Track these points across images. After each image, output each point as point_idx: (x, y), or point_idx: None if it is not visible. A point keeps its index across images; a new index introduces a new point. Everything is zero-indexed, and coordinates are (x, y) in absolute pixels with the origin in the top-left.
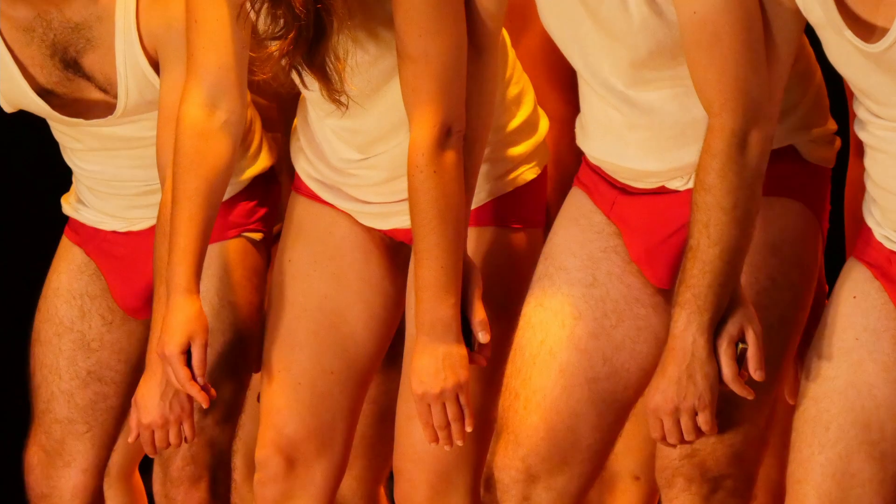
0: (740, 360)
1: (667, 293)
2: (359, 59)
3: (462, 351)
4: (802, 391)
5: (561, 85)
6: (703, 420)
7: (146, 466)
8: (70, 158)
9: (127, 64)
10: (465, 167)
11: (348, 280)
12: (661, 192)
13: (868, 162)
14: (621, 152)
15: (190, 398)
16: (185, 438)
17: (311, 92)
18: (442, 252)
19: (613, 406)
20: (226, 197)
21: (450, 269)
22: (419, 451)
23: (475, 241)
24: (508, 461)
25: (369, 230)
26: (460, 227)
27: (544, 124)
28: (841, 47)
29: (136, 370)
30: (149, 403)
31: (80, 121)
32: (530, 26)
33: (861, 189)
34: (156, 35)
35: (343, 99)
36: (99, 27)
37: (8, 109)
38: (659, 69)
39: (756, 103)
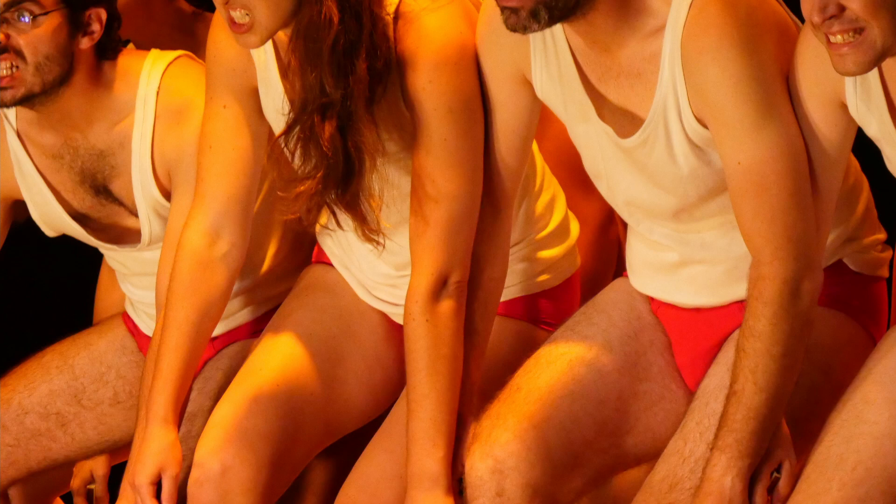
0: (771, 486)
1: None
2: (394, 195)
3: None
4: (833, 429)
5: (582, 185)
6: None
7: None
8: (123, 283)
9: (143, 192)
10: (477, 323)
11: (358, 335)
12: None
13: None
14: (674, 289)
15: None
16: None
17: (347, 232)
18: (431, 403)
19: (612, 439)
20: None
21: (439, 421)
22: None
23: (500, 330)
24: (489, 448)
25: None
26: (454, 378)
27: (575, 228)
28: None
29: (100, 449)
30: None
31: (115, 247)
32: (548, 129)
33: None
34: (169, 160)
35: (379, 238)
36: (121, 153)
37: (50, 234)
38: (707, 207)
39: (807, 250)
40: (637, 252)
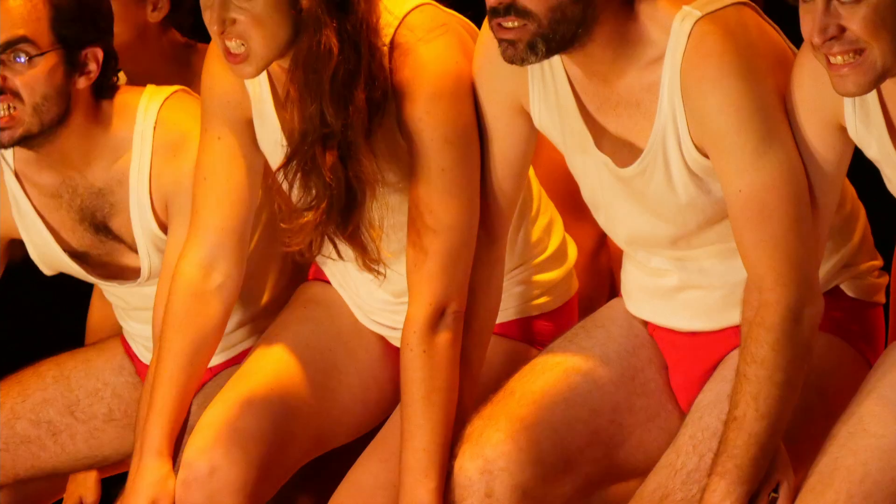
0: None
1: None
2: (393, 224)
3: None
4: (838, 440)
5: (574, 210)
6: None
7: None
8: (121, 317)
9: (142, 227)
10: (471, 352)
11: (354, 351)
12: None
13: None
14: (670, 314)
15: None
16: None
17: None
18: (425, 434)
19: (605, 450)
20: None
21: (432, 452)
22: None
23: (496, 350)
24: (479, 449)
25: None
26: (448, 409)
27: (573, 251)
28: None
29: (89, 463)
30: None
31: (114, 283)
32: (539, 155)
33: None
34: (166, 193)
35: (380, 268)
36: (120, 190)
37: (47, 272)
38: (705, 235)
39: (808, 277)
40: (633, 277)
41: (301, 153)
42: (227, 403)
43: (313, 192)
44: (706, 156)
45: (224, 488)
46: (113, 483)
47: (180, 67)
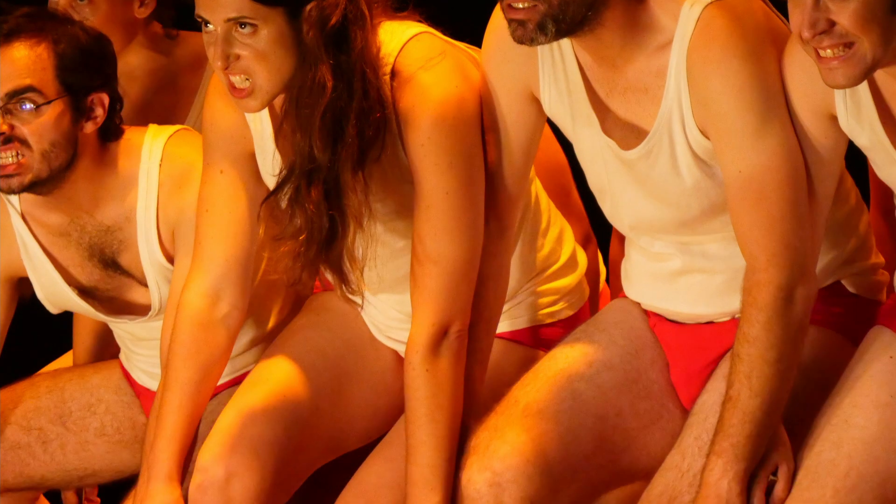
0: (769, 489)
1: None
2: (378, 252)
3: None
4: (821, 434)
5: (561, 206)
6: None
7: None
8: (123, 342)
9: (151, 262)
10: (481, 341)
11: (366, 360)
12: (705, 323)
13: None
14: (671, 297)
15: None
16: None
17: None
18: (428, 451)
19: (610, 455)
20: None
21: (437, 467)
22: (371, 489)
23: (502, 353)
24: (487, 462)
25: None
26: (452, 425)
27: (583, 259)
28: (890, 167)
29: (78, 476)
30: None
31: (125, 320)
32: None
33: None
34: (172, 224)
35: (357, 299)
36: (128, 227)
37: (53, 311)
38: (710, 223)
39: (802, 258)
40: (636, 263)
41: (289, 183)
42: (240, 410)
43: (297, 222)
44: (709, 138)
45: (239, 495)
46: (111, 492)
47: (163, 59)
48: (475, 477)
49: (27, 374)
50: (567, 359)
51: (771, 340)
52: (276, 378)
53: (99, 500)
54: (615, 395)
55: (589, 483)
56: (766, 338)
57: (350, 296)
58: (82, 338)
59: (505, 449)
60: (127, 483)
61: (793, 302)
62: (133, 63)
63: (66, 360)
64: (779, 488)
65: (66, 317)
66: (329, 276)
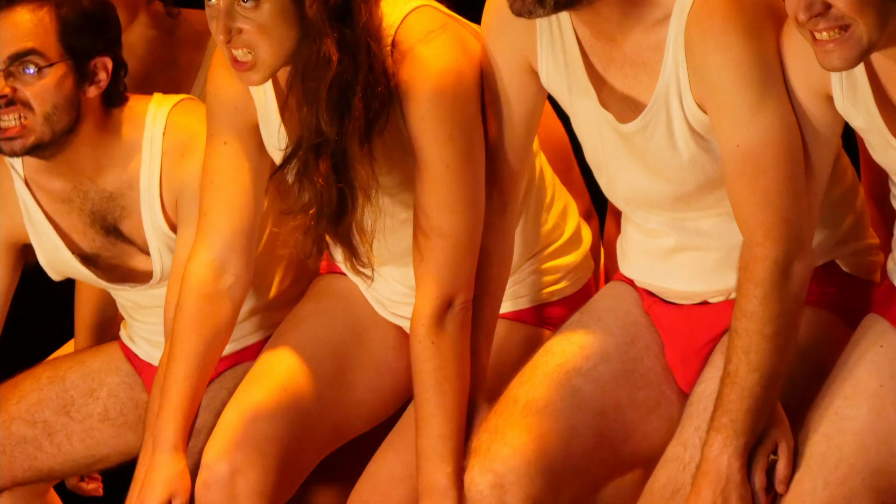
0: (770, 469)
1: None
2: (394, 223)
3: None
4: (812, 426)
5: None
6: None
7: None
8: (125, 310)
9: (154, 229)
10: (486, 314)
11: (368, 343)
12: (700, 304)
13: None
14: (666, 275)
15: None
16: None
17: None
18: (439, 422)
19: (611, 448)
20: None
21: (447, 438)
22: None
23: (507, 334)
24: (489, 464)
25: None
26: (460, 396)
27: (587, 235)
28: (885, 150)
29: (86, 464)
30: None
31: (126, 287)
32: None
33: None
34: (176, 193)
35: (367, 272)
36: (130, 194)
37: (55, 278)
38: (705, 199)
39: (798, 233)
40: (631, 240)
41: (295, 159)
42: (243, 407)
43: (305, 196)
44: (707, 112)
45: (244, 492)
46: (112, 477)
47: (165, 37)
48: (477, 479)
49: (30, 356)
50: (564, 353)
51: (768, 315)
52: (277, 372)
53: (99, 476)
54: (613, 387)
55: (590, 478)
56: (763, 313)
57: (361, 269)
58: (83, 315)
59: (506, 451)
60: (131, 465)
61: (789, 276)
62: (135, 41)
63: (67, 349)
64: (781, 466)
65: (69, 310)
66: (337, 254)
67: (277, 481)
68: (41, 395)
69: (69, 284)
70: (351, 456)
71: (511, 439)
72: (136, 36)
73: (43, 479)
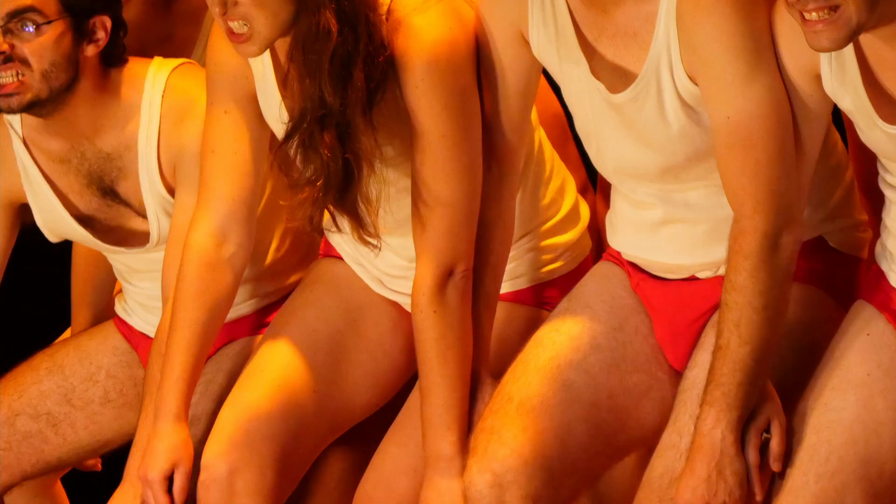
0: (763, 448)
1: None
2: (396, 192)
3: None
4: (801, 419)
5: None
6: None
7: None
8: (121, 274)
9: (151, 192)
10: (488, 286)
11: (363, 328)
12: (688, 279)
13: (886, 214)
14: (653, 247)
15: None
16: None
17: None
18: (442, 390)
19: (606, 440)
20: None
21: (451, 406)
22: (388, 475)
23: (507, 316)
24: (487, 464)
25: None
26: (463, 364)
27: (585, 211)
28: (872, 130)
29: (92, 450)
30: None
31: (122, 249)
32: None
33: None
34: (174, 157)
35: (376, 242)
36: (127, 156)
37: (52, 239)
38: (693, 170)
39: (787, 205)
40: (620, 212)
41: (300, 131)
42: (239, 406)
43: (311, 168)
44: (697, 84)
45: (243, 491)
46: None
47: (161, 11)
48: (476, 479)
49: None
50: (555, 345)
51: (758, 287)
52: (272, 369)
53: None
54: (605, 377)
55: (588, 470)
56: (752, 285)
57: (368, 238)
58: (79, 291)
59: (503, 451)
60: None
61: (779, 248)
62: (131, 16)
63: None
64: (774, 443)
65: (65, 296)
66: (344, 225)
67: (276, 479)
68: (41, 387)
69: (66, 271)
70: (352, 449)
71: (508, 439)
72: (132, 11)
73: (52, 470)
